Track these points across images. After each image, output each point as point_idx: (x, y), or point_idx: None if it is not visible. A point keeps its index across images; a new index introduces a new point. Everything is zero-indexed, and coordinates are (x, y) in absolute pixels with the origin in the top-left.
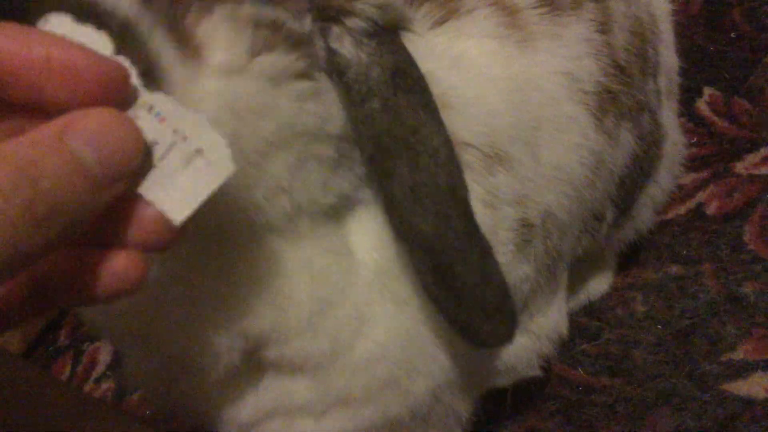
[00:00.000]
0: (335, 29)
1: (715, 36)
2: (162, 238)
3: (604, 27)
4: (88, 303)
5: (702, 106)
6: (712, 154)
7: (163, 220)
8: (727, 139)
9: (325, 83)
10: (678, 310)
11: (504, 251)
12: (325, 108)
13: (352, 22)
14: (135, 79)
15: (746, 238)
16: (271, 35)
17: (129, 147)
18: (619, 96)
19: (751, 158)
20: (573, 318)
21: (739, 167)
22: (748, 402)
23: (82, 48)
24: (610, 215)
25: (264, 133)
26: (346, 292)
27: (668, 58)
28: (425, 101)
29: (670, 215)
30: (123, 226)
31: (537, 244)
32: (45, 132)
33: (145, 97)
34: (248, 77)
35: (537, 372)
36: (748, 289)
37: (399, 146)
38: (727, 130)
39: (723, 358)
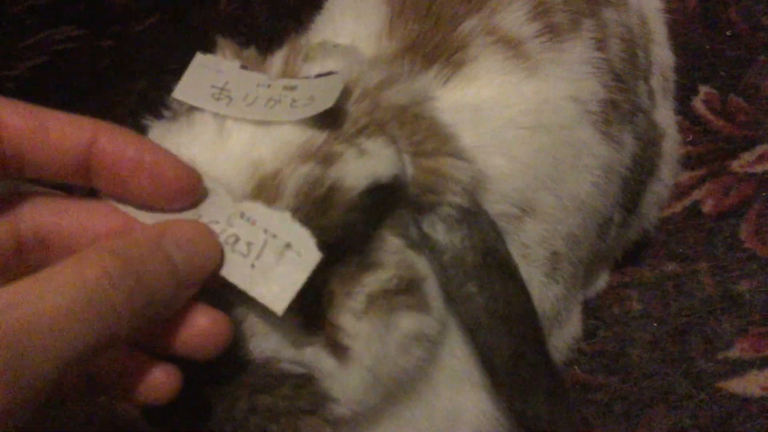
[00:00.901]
0: (428, 217)
1: (711, 34)
2: (210, 349)
3: (601, 43)
4: (126, 401)
5: (698, 104)
6: (708, 152)
7: (211, 332)
8: (723, 138)
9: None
10: (674, 308)
11: (536, 284)
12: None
13: (444, 211)
14: (224, 193)
15: (742, 236)
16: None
17: (210, 254)
18: (619, 103)
19: (747, 156)
20: None
21: (735, 165)
22: (744, 400)
23: (167, 152)
24: (617, 217)
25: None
26: (438, 391)
27: (661, 56)
28: (511, 269)
29: (666, 213)
30: (174, 333)
31: (564, 265)
32: (146, 234)
33: (236, 205)
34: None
35: None
36: (743, 287)
37: (496, 321)
38: (723, 128)
39: (719, 356)
